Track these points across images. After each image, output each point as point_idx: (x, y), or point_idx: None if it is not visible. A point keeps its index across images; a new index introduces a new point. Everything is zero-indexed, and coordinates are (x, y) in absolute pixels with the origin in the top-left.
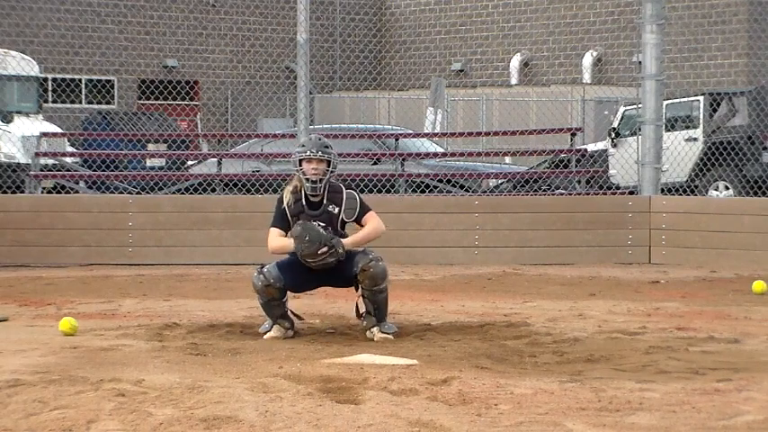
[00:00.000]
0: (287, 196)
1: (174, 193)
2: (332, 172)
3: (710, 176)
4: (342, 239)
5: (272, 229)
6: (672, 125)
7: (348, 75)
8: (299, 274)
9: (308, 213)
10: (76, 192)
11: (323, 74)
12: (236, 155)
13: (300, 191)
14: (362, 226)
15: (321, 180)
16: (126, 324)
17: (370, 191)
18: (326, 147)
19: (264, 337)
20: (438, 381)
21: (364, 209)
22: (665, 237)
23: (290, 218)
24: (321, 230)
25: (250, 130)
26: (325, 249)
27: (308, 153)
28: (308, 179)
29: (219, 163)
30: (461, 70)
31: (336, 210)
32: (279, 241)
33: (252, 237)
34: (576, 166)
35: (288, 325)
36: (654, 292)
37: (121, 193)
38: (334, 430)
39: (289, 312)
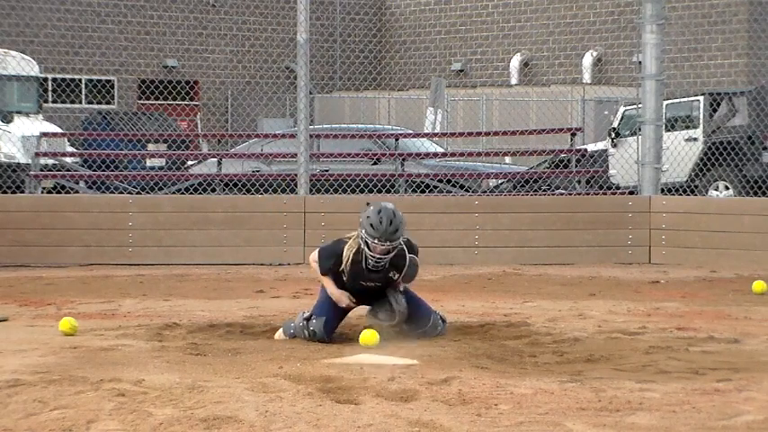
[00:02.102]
0: (348, 256)
1: (174, 193)
2: (398, 248)
3: (710, 176)
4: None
5: (324, 277)
6: (672, 125)
7: (348, 75)
8: (338, 319)
9: (368, 276)
10: (76, 192)
11: (323, 74)
12: (236, 155)
13: (362, 255)
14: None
15: (385, 261)
16: (126, 324)
17: (370, 191)
18: (397, 230)
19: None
20: (438, 381)
21: (414, 277)
22: (665, 237)
23: (345, 273)
24: (391, 309)
25: (250, 130)
26: (394, 307)
27: (376, 242)
28: (373, 256)
29: (219, 163)
30: (461, 70)
31: (396, 276)
32: (327, 280)
33: (252, 237)
34: (576, 166)
35: None
36: (654, 292)
37: (121, 193)
38: (334, 430)
39: None
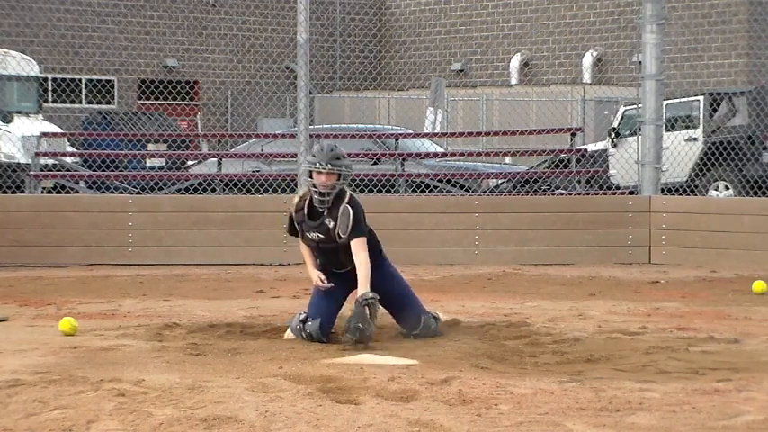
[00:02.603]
0: (295, 201)
1: (174, 193)
2: (344, 183)
3: (710, 176)
4: (368, 290)
5: (303, 252)
6: (672, 125)
7: (348, 75)
8: (332, 315)
9: (308, 224)
10: (76, 192)
11: (323, 74)
12: (236, 155)
13: (307, 199)
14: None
15: (330, 194)
16: (126, 324)
17: (370, 191)
18: (338, 158)
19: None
20: (438, 381)
21: (355, 231)
22: (665, 237)
23: (295, 224)
24: (365, 311)
25: (250, 130)
26: (370, 311)
27: (318, 166)
28: (316, 191)
29: (219, 163)
30: (461, 70)
31: (333, 224)
32: (306, 257)
33: (252, 237)
34: (576, 166)
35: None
36: (654, 292)
37: (121, 193)
38: (334, 430)
39: None
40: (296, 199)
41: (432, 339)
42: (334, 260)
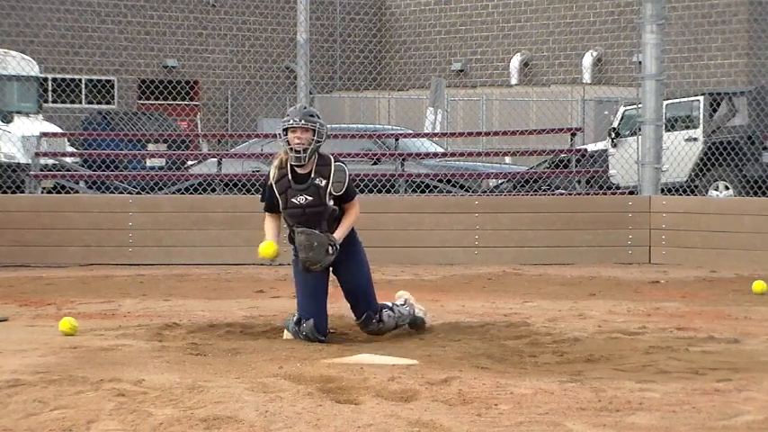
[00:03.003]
0: (273, 172)
1: (174, 193)
2: (318, 142)
3: (710, 176)
4: (334, 235)
5: (266, 213)
6: (672, 125)
7: (348, 75)
8: (324, 309)
9: (295, 188)
10: (76, 192)
11: (323, 74)
12: (236, 155)
13: (286, 165)
14: (345, 206)
15: (306, 150)
16: (126, 324)
17: (370, 191)
18: (311, 115)
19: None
20: (438, 381)
21: (351, 190)
22: (665, 237)
23: (277, 195)
24: (321, 234)
25: (250, 130)
26: (330, 251)
27: (291, 122)
28: (291, 149)
29: (219, 163)
30: (461, 70)
31: (324, 182)
32: (267, 230)
33: (252, 237)
34: (576, 166)
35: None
36: (654, 292)
37: (121, 193)
38: (334, 430)
39: None
40: (273, 170)
41: (432, 339)
42: (316, 229)
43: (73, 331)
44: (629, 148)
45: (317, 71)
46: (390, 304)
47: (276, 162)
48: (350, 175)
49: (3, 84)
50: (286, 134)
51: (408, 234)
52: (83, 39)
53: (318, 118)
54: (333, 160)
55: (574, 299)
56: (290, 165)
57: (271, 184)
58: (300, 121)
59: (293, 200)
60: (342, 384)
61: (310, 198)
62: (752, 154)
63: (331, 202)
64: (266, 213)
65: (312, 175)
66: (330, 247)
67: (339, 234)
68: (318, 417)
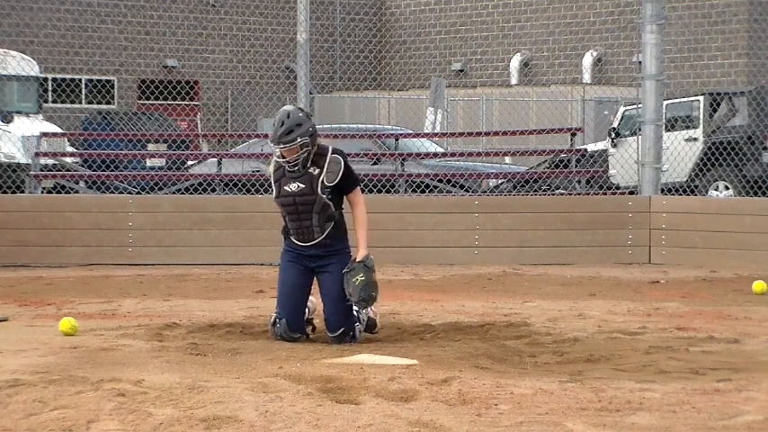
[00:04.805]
0: (271, 166)
1: (174, 193)
2: (307, 150)
3: (710, 176)
4: (363, 254)
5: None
6: (672, 125)
7: (348, 75)
8: (299, 305)
9: (289, 176)
10: (76, 192)
11: (323, 74)
12: (236, 155)
13: None
14: (348, 197)
15: (298, 161)
16: (126, 324)
17: (370, 191)
18: (290, 132)
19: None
20: (438, 381)
21: (351, 178)
22: (665, 237)
23: (273, 184)
24: (366, 276)
25: (250, 130)
26: (373, 275)
27: (272, 146)
28: (285, 161)
29: (219, 163)
30: (461, 70)
31: (317, 172)
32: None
33: (252, 237)
34: (576, 166)
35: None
36: (654, 292)
37: (121, 193)
38: (334, 430)
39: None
40: (271, 165)
41: (432, 339)
42: (306, 223)
43: (73, 331)
44: (629, 148)
45: (317, 71)
46: (356, 315)
47: (273, 158)
48: (347, 165)
49: (3, 84)
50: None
51: (408, 234)
52: (83, 39)
53: (300, 127)
54: (330, 151)
55: (574, 299)
56: None
57: (269, 177)
58: (279, 145)
59: (286, 187)
60: (342, 384)
61: (303, 186)
62: (752, 154)
63: (324, 195)
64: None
65: (307, 165)
66: (373, 273)
67: (362, 245)
68: (318, 417)
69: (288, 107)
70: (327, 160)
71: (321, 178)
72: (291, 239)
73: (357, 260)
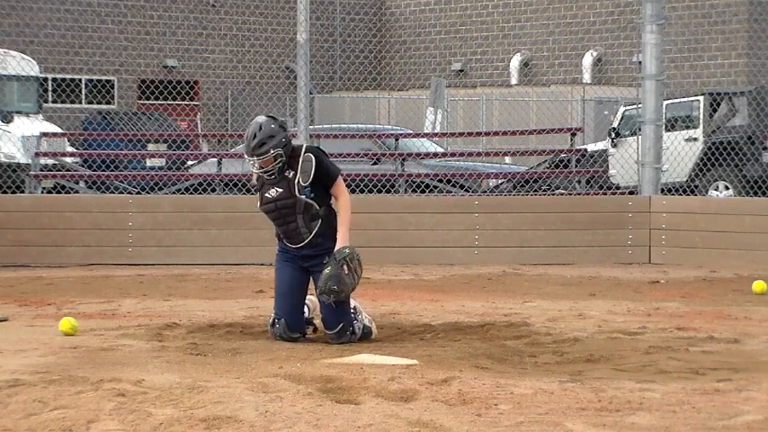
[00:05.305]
0: (254, 178)
1: (174, 193)
2: (281, 159)
3: (710, 176)
4: (345, 245)
5: None
6: (672, 125)
7: (348, 75)
8: (298, 305)
9: (269, 182)
10: (76, 192)
11: (323, 74)
12: (236, 155)
13: None
14: (331, 191)
15: (273, 171)
16: (126, 324)
17: (370, 191)
18: (263, 144)
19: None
20: (438, 381)
21: (327, 172)
22: (665, 237)
23: (257, 193)
24: (342, 271)
25: None
26: (346, 269)
27: (246, 158)
28: (262, 172)
29: (219, 163)
30: (461, 70)
31: (292, 174)
32: None
33: (252, 237)
34: (576, 166)
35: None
36: (654, 292)
37: (121, 193)
38: (334, 430)
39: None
40: (254, 175)
41: (432, 339)
42: (293, 226)
43: (73, 331)
44: (629, 148)
45: (317, 71)
46: (353, 312)
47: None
48: (319, 161)
49: (3, 84)
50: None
51: (408, 234)
52: (83, 39)
53: (272, 138)
54: (303, 150)
55: (574, 299)
56: None
57: (255, 184)
58: (253, 157)
59: (266, 194)
60: (342, 384)
61: (281, 190)
62: (752, 154)
63: (304, 196)
64: None
65: (283, 167)
66: (346, 266)
67: (340, 237)
68: (318, 417)
69: (260, 118)
70: (301, 160)
71: (297, 179)
72: (283, 242)
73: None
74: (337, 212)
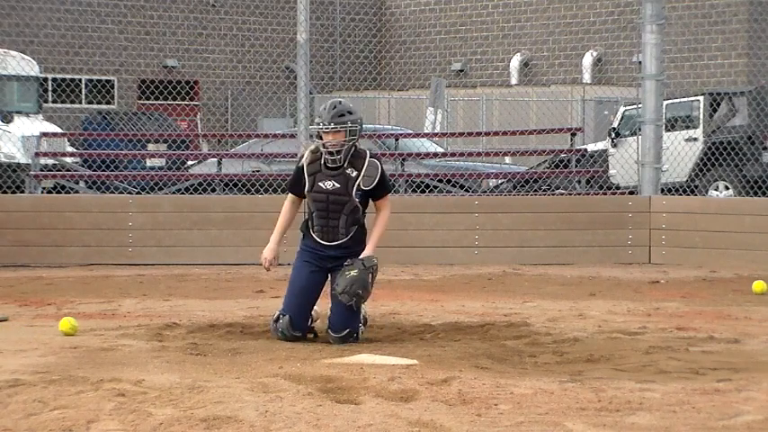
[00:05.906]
0: (307, 154)
1: (174, 193)
2: (352, 140)
3: (710, 176)
4: (367, 253)
5: (288, 195)
6: (672, 125)
7: (348, 75)
8: (307, 306)
9: (326, 173)
10: (76, 192)
11: (323, 74)
12: (236, 155)
13: (320, 153)
14: (377, 203)
15: (340, 151)
16: (126, 324)
17: None
18: (342, 115)
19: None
20: (438, 381)
21: (384, 185)
22: (665, 237)
23: (305, 177)
24: (368, 278)
25: (250, 130)
26: (370, 278)
27: (322, 126)
28: (326, 150)
29: (219, 163)
30: (461, 70)
31: (355, 174)
32: (282, 215)
33: (252, 237)
34: (576, 166)
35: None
36: (654, 292)
37: (121, 193)
38: (334, 430)
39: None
40: (307, 153)
41: (432, 339)
42: (334, 223)
43: (73, 331)
44: (629, 148)
45: (317, 71)
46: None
47: (312, 147)
48: (383, 172)
49: (3, 84)
50: (320, 135)
51: (408, 234)
52: (83, 39)
53: (351, 114)
54: (368, 155)
55: (574, 299)
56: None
57: (302, 166)
58: (329, 124)
59: (320, 183)
60: (342, 384)
61: (338, 185)
62: (752, 154)
63: (357, 199)
64: (288, 195)
65: (344, 165)
66: (371, 275)
67: (370, 245)
68: (318, 417)
69: (340, 99)
70: (366, 164)
71: (358, 181)
72: (312, 237)
73: (360, 257)
74: (376, 221)
